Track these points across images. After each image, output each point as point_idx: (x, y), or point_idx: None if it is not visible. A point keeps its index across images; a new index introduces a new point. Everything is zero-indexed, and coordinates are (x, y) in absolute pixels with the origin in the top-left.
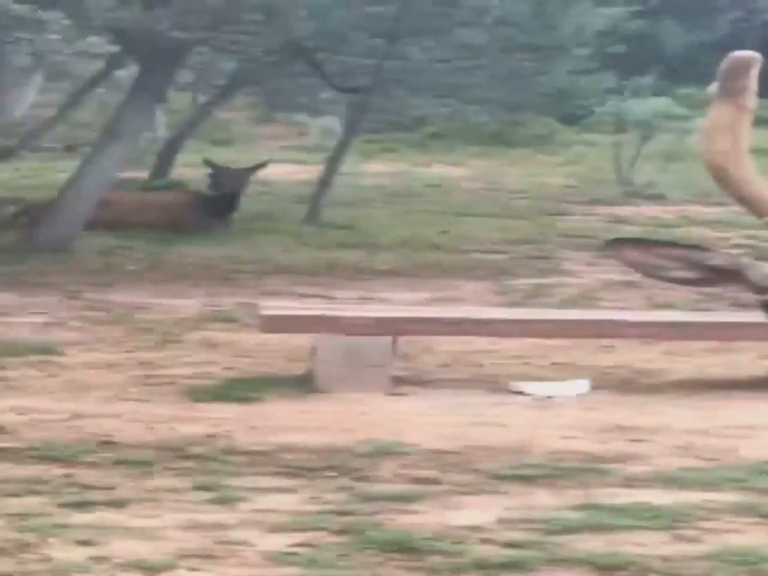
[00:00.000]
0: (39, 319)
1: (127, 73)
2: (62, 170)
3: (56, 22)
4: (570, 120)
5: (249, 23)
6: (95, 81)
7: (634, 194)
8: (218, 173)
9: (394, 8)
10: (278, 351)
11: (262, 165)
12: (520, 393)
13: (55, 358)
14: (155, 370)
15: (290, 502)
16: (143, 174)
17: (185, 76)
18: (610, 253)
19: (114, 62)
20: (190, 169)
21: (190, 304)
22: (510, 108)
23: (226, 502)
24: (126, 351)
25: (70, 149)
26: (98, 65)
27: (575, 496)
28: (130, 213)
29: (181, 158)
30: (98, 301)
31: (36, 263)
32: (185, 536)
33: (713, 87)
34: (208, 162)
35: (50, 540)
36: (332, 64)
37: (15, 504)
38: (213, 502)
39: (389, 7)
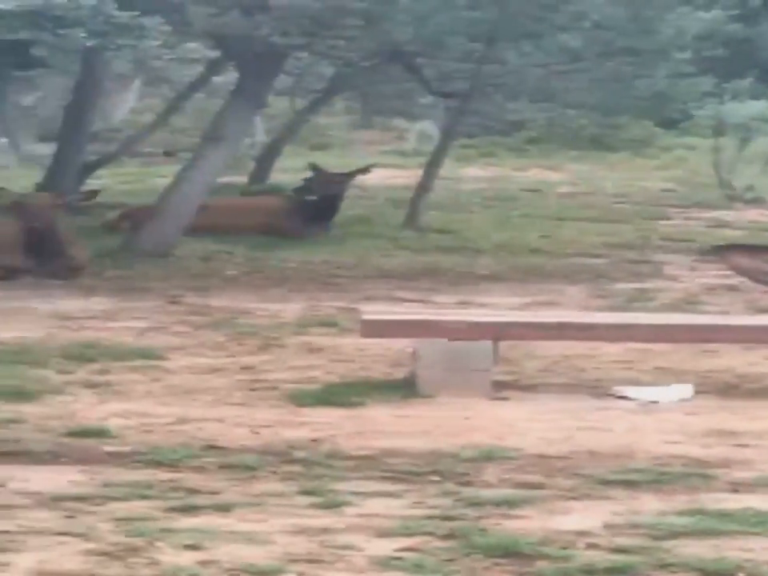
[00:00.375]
0: (141, 324)
1: (225, 78)
2: (161, 175)
3: (156, 29)
4: (669, 124)
5: (347, 28)
6: (194, 86)
7: (734, 198)
8: (317, 177)
9: (492, 12)
10: (379, 356)
11: (365, 169)
12: (623, 397)
13: (158, 363)
14: (258, 374)
15: (395, 506)
16: (242, 179)
17: (283, 81)
18: (717, 258)
19: (212, 67)
20: (288, 173)
21: (290, 308)
22: (609, 112)
23: (331, 506)
24: (228, 356)
25: (168, 154)
26: (197, 70)
27: (681, 501)
28: (229, 218)
29: (279, 162)
30: (199, 305)
31: (138, 268)
32: (292, 540)
33: None
34: (313, 167)
35: (158, 544)
36: (430, 68)
37: (123, 508)
38: (318, 506)
39: (487, 12)
